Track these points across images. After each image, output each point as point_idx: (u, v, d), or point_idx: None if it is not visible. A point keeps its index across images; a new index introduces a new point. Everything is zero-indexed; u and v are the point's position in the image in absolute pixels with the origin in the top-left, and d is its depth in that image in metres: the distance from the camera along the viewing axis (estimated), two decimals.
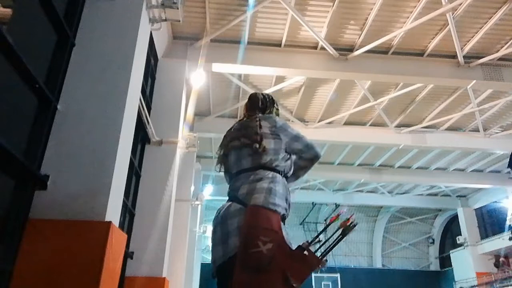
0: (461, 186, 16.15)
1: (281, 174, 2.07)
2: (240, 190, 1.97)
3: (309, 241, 1.85)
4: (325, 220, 22.41)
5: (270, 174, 2.01)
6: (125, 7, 4.27)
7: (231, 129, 2.33)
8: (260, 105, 2.37)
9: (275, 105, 2.42)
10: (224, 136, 2.32)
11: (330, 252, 1.93)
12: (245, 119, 2.32)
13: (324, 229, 2.20)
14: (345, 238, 1.93)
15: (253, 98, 2.43)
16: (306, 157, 2.26)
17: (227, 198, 2.07)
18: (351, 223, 1.89)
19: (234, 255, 1.78)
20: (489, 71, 8.21)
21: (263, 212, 1.83)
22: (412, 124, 11.18)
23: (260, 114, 2.27)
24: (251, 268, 1.68)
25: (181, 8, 5.32)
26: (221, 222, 1.95)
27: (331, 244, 1.92)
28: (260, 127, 2.13)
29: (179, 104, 7.08)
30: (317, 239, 1.94)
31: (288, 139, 2.16)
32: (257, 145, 2.05)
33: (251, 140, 2.08)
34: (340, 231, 1.92)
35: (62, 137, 3.43)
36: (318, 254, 1.85)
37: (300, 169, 2.28)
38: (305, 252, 1.78)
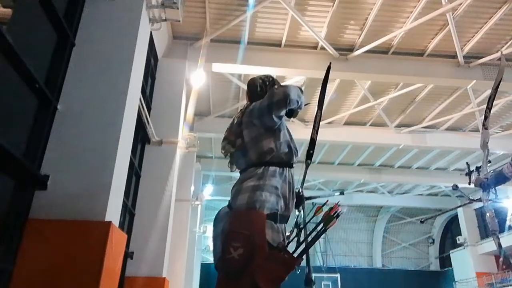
0: (461, 186, 16.13)
1: (278, 165, 1.93)
2: (231, 193, 1.97)
3: (285, 241, 1.81)
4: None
5: (261, 169, 1.90)
6: (125, 7, 4.27)
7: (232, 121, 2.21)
8: (259, 91, 2.17)
9: (275, 86, 2.18)
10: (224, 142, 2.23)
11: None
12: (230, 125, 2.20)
13: (305, 226, 2.10)
14: (328, 228, 1.80)
15: (251, 85, 2.25)
16: (271, 111, 1.93)
17: (228, 198, 2.07)
18: (335, 213, 1.78)
19: (219, 259, 1.81)
20: (489, 71, 8.21)
21: (243, 215, 1.79)
22: (412, 124, 11.18)
23: (252, 104, 2.10)
24: (226, 273, 1.71)
25: (181, 8, 5.32)
26: (213, 226, 2.00)
27: (313, 239, 1.85)
28: (241, 123, 2.03)
29: (179, 104, 7.08)
30: (298, 236, 1.92)
31: (256, 116, 1.97)
32: (230, 146, 2.01)
33: (229, 142, 2.04)
34: (322, 224, 1.82)
35: (62, 137, 3.42)
36: (299, 251, 1.80)
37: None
38: (282, 253, 1.73)
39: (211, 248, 1.97)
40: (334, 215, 1.78)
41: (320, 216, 1.91)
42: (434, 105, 10.48)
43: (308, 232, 1.92)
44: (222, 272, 1.73)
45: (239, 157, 2.05)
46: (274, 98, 1.92)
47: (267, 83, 2.21)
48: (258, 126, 1.98)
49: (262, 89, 2.18)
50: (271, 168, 1.92)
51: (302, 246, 1.88)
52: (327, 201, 1.90)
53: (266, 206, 1.81)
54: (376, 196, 18.71)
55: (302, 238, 2.03)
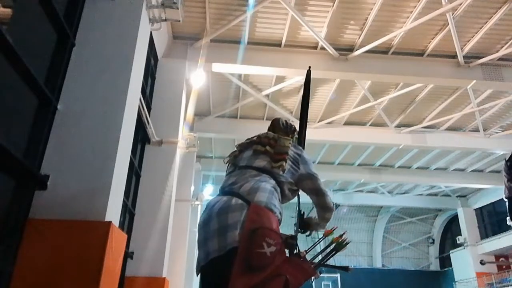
0: (461, 186, 16.15)
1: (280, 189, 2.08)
2: (242, 187, 1.92)
3: (306, 250, 1.87)
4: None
5: (274, 181, 2.01)
6: (125, 7, 4.27)
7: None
8: (282, 127, 2.40)
9: (295, 133, 2.44)
10: (248, 139, 2.29)
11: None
12: (276, 135, 2.26)
13: (319, 242, 2.19)
14: (338, 253, 1.97)
15: (275, 122, 2.47)
16: (314, 202, 2.21)
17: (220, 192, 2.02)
18: (343, 241, 1.93)
19: (232, 249, 1.70)
20: (489, 71, 8.21)
21: (267, 213, 1.82)
22: (412, 124, 11.18)
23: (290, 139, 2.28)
24: (250, 266, 1.64)
25: (181, 8, 5.33)
26: (219, 214, 1.84)
27: (324, 257, 1.96)
28: (289, 149, 2.14)
29: (179, 104, 7.08)
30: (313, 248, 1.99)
31: (303, 172, 2.14)
32: (283, 163, 2.05)
33: (277, 155, 2.09)
34: (333, 245, 1.96)
35: (62, 137, 3.43)
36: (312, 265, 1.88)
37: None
38: (302, 260, 1.80)
39: (212, 237, 1.80)
40: (344, 243, 1.95)
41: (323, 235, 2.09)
42: (434, 105, 10.48)
43: (320, 250, 2.05)
44: (242, 263, 1.64)
45: (261, 158, 2.09)
46: (328, 201, 2.19)
47: (289, 125, 2.44)
48: (297, 172, 2.13)
49: (285, 127, 2.40)
50: (277, 188, 2.03)
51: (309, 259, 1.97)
52: (335, 227, 2.01)
53: (277, 213, 1.90)
54: (376, 196, 18.71)
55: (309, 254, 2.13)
